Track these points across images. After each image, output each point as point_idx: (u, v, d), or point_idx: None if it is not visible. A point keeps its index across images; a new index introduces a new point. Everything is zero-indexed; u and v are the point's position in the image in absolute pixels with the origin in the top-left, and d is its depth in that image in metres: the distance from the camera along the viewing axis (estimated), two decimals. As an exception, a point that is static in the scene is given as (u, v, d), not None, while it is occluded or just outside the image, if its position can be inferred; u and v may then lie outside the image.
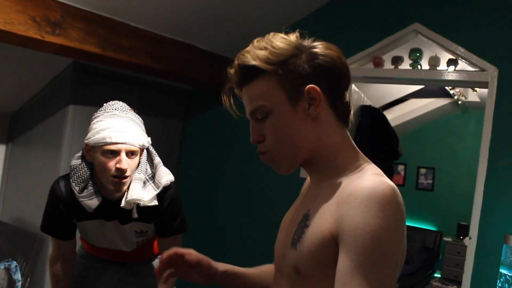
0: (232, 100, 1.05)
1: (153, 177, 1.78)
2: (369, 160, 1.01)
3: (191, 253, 1.16)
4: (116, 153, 1.64)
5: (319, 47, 0.99)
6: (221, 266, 1.19)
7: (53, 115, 2.89)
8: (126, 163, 1.64)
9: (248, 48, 0.99)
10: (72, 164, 1.75)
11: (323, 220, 0.92)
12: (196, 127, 3.60)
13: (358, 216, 0.84)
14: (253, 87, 0.99)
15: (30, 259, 2.69)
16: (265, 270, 1.26)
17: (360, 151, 1.03)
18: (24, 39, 2.22)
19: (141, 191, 1.71)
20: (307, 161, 1.02)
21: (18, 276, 2.71)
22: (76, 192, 1.70)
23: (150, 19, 2.64)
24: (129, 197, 1.69)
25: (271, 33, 1.00)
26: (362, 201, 0.85)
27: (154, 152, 1.83)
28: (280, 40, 0.98)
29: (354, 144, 1.04)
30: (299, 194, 1.23)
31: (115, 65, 2.66)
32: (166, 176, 1.78)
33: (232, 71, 1.02)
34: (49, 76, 2.93)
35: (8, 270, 2.77)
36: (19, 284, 2.67)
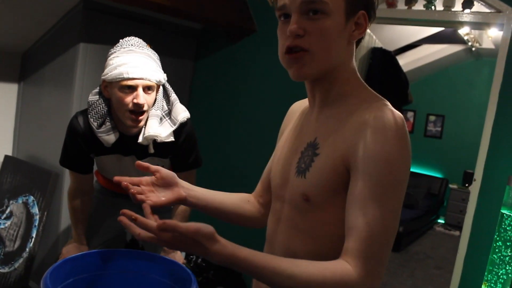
0: None
1: (169, 113, 1.83)
2: (374, 91, 1.03)
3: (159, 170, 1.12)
4: (133, 88, 1.67)
5: None
6: (191, 192, 1.15)
7: (64, 54, 2.90)
8: (143, 98, 1.68)
9: None
10: (90, 100, 1.80)
11: (335, 148, 0.94)
12: (206, 67, 3.61)
13: (373, 144, 0.87)
14: None
15: (47, 194, 2.80)
16: (232, 196, 1.27)
17: (366, 84, 1.06)
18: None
19: (158, 127, 1.76)
20: (322, 79, 1.01)
21: (35, 210, 2.83)
22: (94, 127, 1.75)
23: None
24: (146, 133, 1.75)
25: None
26: (377, 129, 0.88)
27: (170, 89, 1.87)
28: None
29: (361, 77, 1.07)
30: (285, 123, 1.25)
31: (124, 1, 2.64)
32: (182, 113, 1.82)
33: None
34: (59, 13, 2.91)
35: (26, 204, 2.89)
36: (37, 217, 2.80)
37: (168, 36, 3.29)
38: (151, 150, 1.81)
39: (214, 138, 3.53)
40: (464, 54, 6.10)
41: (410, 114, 6.95)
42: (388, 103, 0.97)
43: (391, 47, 4.78)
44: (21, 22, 2.90)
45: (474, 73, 6.43)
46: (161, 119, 1.79)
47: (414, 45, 5.41)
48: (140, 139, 1.76)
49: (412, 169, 6.94)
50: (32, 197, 2.88)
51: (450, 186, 6.56)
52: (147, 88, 1.70)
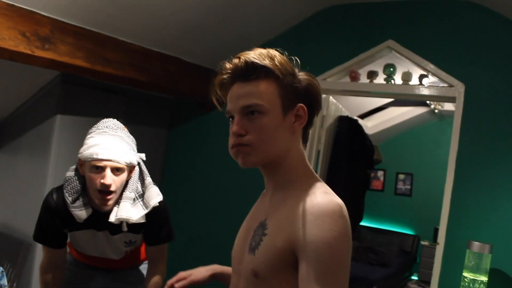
0: (218, 93, 1.16)
1: (142, 195, 1.89)
2: (320, 179, 1.15)
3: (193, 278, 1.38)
4: (101, 169, 1.74)
5: (304, 75, 1.14)
6: (211, 270, 1.40)
7: (41, 124, 2.98)
8: (110, 179, 1.74)
9: (257, 51, 1.09)
10: (67, 175, 1.86)
11: (280, 231, 1.04)
12: (180, 136, 3.71)
13: (315, 230, 0.97)
14: (258, 85, 1.08)
15: (17, 265, 2.77)
16: None
17: (313, 170, 1.18)
18: (15, 54, 2.32)
19: (129, 210, 1.81)
20: (271, 166, 1.13)
21: (4, 281, 2.78)
22: (68, 202, 1.81)
23: (137, 33, 2.76)
24: (118, 215, 1.80)
25: (269, 49, 1.11)
26: (317, 216, 0.98)
27: (146, 172, 1.93)
28: (282, 57, 1.11)
29: (309, 163, 1.19)
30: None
31: (101, 78, 2.76)
32: (155, 198, 1.88)
33: (235, 64, 1.10)
34: (38, 85, 3.01)
35: (-5, 275, 2.84)
36: (6, 289, 2.75)
37: (143, 107, 3.41)
38: (124, 229, 1.86)
39: (188, 206, 3.58)
40: (428, 116, 6.38)
41: (380, 173, 7.12)
42: (328, 190, 1.08)
43: (358, 112, 5.02)
44: (-1, 94, 2.99)
45: (438, 132, 6.68)
46: (134, 200, 1.86)
47: (381, 107, 5.66)
48: (112, 219, 1.81)
49: (384, 227, 6.99)
50: (1, 268, 2.84)
51: (422, 243, 6.62)
52: (115, 170, 1.76)
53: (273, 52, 1.11)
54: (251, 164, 1.11)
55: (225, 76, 1.13)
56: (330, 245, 0.96)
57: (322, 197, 1.03)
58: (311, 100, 1.14)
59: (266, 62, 1.08)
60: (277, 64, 1.08)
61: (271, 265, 1.04)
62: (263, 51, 1.10)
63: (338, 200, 1.03)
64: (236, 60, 1.10)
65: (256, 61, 1.07)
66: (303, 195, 1.06)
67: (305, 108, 1.11)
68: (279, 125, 1.09)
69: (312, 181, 1.12)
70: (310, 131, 1.21)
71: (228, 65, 1.12)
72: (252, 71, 1.08)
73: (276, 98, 1.09)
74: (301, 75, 1.13)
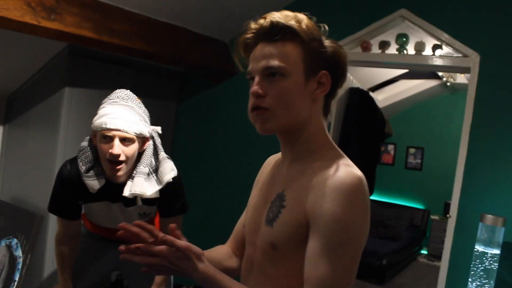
0: (241, 53, 1.11)
1: (156, 170, 1.86)
2: (340, 151, 1.10)
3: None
4: (110, 138, 1.72)
5: (331, 43, 1.08)
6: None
7: (49, 97, 2.96)
8: (118, 148, 1.72)
9: (283, 13, 1.05)
10: (81, 145, 1.85)
11: (298, 202, 1.01)
12: (189, 108, 3.68)
13: (328, 204, 0.94)
14: (284, 47, 1.03)
15: (31, 237, 2.79)
16: (217, 250, 1.33)
17: (333, 142, 1.13)
18: (20, 24, 2.27)
19: (143, 184, 1.80)
20: (290, 133, 1.09)
21: (19, 253, 2.81)
22: (82, 171, 1.79)
23: (144, 3, 2.69)
24: (132, 190, 1.78)
25: (297, 13, 1.07)
26: (332, 190, 0.95)
27: (161, 147, 1.91)
28: (309, 21, 1.06)
29: (329, 135, 1.14)
30: (260, 174, 1.31)
31: (109, 49, 2.72)
32: (169, 174, 1.86)
33: (260, 24, 1.06)
34: (45, 58, 2.98)
35: (9, 247, 2.87)
36: (20, 260, 2.78)
37: (151, 79, 3.37)
38: (139, 203, 1.85)
39: (199, 178, 3.57)
40: (440, 89, 6.27)
41: (390, 147, 7.06)
42: (349, 162, 1.04)
43: (369, 84, 4.93)
44: (6, 66, 2.96)
45: (450, 106, 6.58)
46: (148, 174, 1.83)
47: (392, 80, 5.56)
48: (126, 194, 1.79)
49: (394, 201, 6.96)
50: (15, 240, 2.87)
51: (432, 217, 6.61)
52: (124, 140, 1.74)
53: (300, 15, 1.06)
54: (270, 130, 1.06)
55: (249, 36, 1.08)
56: (340, 220, 0.93)
57: (342, 170, 0.98)
58: (336, 69, 1.08)
59: (292, 23, 1.03)
60: (304, 27, 1.04)
61: (289, 237, 1.02)
62: (290, 13, 1.05)
63: (358, 173, 0.99)
64: (261, 20, 1.06)
65: (281, 21, 1.03)
66: (323, 166, 1.02)
67: (329, 75, 1.06)
68: (300, 90, 1.04)
69: (333, 152, 1.08)
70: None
71: (253, 25, 1.08)
72: (277, 31, 1.04)
73: (299, 62, 1.04)
74: (328, 43, 1.08)
